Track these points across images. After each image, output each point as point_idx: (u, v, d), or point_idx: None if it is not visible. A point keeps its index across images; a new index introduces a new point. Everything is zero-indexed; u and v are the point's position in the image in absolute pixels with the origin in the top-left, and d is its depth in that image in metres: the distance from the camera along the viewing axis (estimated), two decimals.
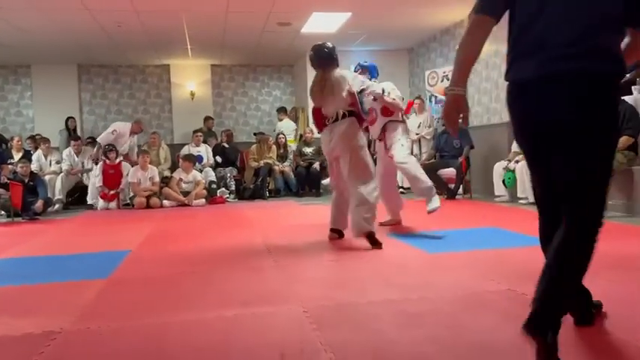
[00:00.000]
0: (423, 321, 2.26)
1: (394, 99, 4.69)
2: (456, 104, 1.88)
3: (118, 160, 8.18)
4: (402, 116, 4.88)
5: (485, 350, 1.91)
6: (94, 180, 8.04)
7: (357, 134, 4.04)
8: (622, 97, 5.38)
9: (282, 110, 10.49)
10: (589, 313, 2.12)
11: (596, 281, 2.78)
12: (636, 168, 5.23)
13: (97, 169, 8.04)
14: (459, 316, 2.32)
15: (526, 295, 2.53)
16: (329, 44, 4.18)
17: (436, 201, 4.55)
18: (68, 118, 9.88)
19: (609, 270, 3.01)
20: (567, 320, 2.22)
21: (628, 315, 2.24)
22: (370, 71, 4.86)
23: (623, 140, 5.13)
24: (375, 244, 3.85)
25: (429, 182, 4.66)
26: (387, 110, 4.74)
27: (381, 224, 4.66)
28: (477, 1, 1.92)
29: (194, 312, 2.49)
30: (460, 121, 1.91)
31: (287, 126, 10.21)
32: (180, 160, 8.50)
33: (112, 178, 8.04)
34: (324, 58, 4.12)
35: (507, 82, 1.90)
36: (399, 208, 4.94)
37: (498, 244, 3.89)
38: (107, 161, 8.07)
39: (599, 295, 2.52)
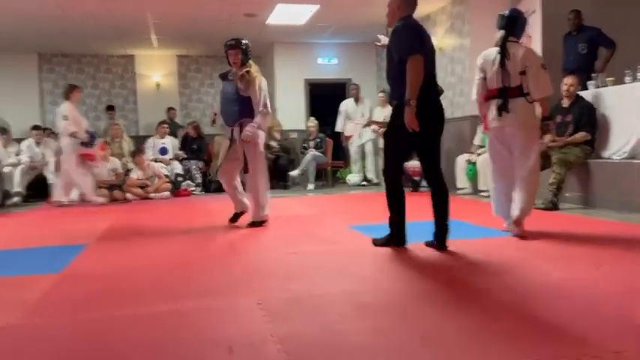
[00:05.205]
0: (374, 312, 2.28)
1: None
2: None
3: None
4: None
5: (431, 341, 1.94)
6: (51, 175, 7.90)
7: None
8: (580, 94, 5.53)
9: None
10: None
11: (546, 270, 2.86)
12: (592, 161, 5.38)
13: (51, 165, 7.87)
14: (408, 307, 2.35)
15: (477, 286, 2.58)
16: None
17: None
18: None
19: (557, 260, 3.10)
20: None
21: (570, 306, 2.31)
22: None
23: (581, 136, 5.31)
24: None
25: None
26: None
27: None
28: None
29: (145, 306, 2.46)
30: None
31: None
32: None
33: None
34: None
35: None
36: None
37: (455, 236, 3.94)
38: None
39: (548, 283, 2.59)
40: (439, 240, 3.49)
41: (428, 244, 3.55)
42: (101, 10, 7.51)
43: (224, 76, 4.72)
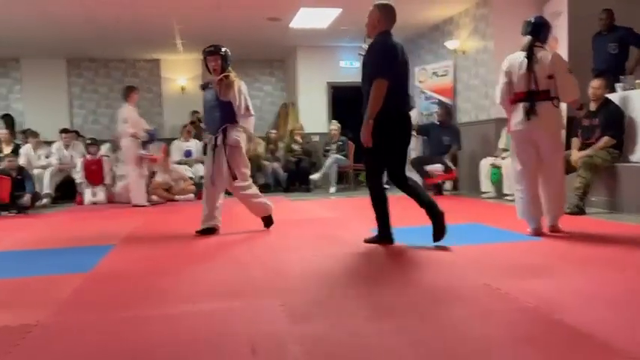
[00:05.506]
0: (397, 314, 2.29)
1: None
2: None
3: (99, 155, 8.21)
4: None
5: (453, 343, 1.93)
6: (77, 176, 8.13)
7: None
8: (608, 97, 5.44)
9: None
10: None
11: (569, 275, 2.83)
12: (620, 165, 5.28)
13: (78, 166, 8.07)
14: (430, 309, 2.35)
15: (500, 290, 2.57)
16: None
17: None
18: (4, 115, 10.00)
19: (581, 264, 3.06)
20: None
21: (603, 314, 2.28)
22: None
23: (605, 141, 5.23)
24: None
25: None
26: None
27: None
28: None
29: (169, 306, 2.51)
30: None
31: None
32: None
33: (94, 173, 8.09)
34: None
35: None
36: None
37: (479, 240, 3.93)
38: (88, 157, 8.09)
39: (571, 288, 2.55)
40: (435, 230, 3.63)
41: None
42: (127, 16, 7.67)
43: (205, 86, 4.72)
